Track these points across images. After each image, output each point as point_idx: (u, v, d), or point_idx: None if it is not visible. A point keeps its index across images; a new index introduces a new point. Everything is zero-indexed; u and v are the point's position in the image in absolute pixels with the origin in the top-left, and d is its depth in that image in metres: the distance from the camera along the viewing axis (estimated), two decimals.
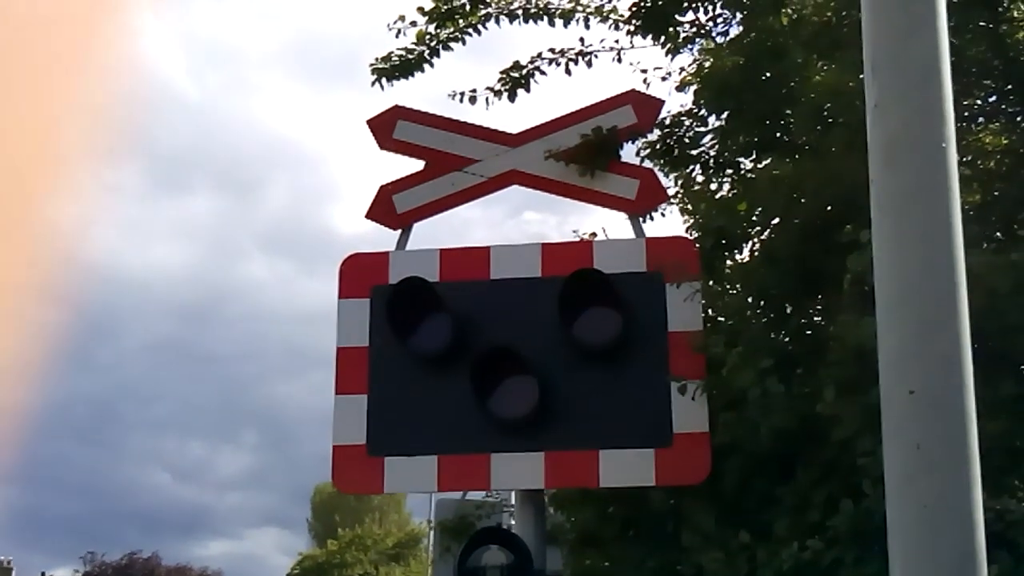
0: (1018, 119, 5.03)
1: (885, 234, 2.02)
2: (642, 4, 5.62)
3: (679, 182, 5.95)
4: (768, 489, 4.52)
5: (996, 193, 4.54)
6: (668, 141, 5.75)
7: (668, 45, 5.72)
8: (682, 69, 5.73)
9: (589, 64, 5.83)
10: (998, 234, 4.51)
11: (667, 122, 5.74)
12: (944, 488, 1.85)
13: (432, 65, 5.88)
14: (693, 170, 5.78)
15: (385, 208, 5.70)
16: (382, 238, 5.68)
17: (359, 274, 5.53)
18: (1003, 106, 5.02)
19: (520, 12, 5.79)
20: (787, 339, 4.66)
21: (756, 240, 5.17)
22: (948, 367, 1.90)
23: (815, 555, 3.91)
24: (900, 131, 1.98)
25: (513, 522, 6.19)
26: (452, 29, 5.85)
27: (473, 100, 5.86)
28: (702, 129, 5.69)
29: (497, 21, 5.84)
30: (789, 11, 5.24)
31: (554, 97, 6.18)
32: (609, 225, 6.01)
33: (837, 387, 3.94)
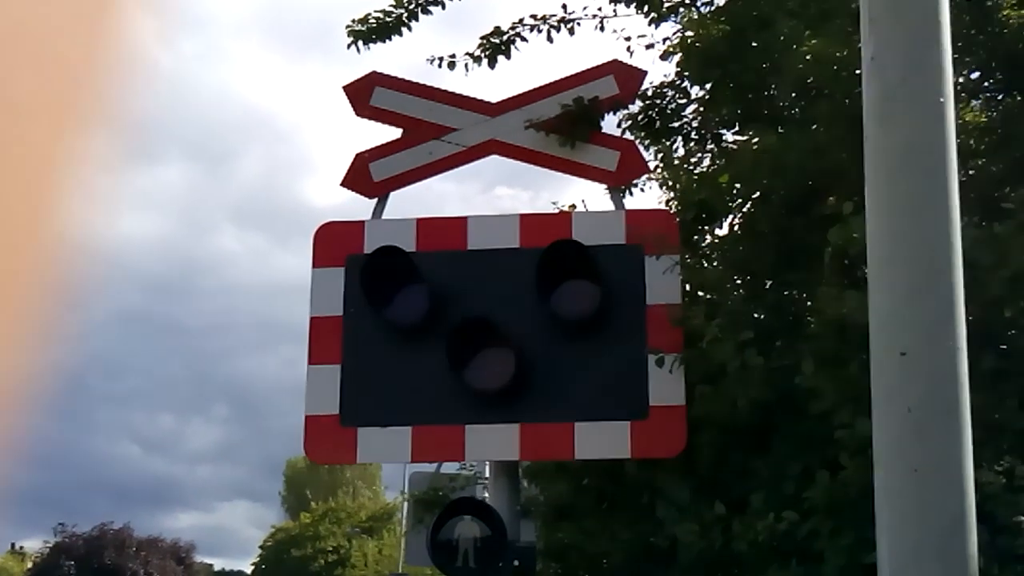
0: (1000, 96, 5.00)
1: (878, 192, 1.96)
2: None
3: (660, 155, 5.89)
4: (744, 461, 4.51)
5: (971, 172, 4.52)
6: (650, 113, 5.68)
7: (651, 14, 5.63)
8: (666, 39, 5.66)
9: (571, 32, 5.73)
10: (976, 214, 4.49)
11: (649, 93, 5.67)
12: (935, 452, 1.81)
13: (410, 29, 5.77)
14: (674, 142, 5.72)
15: (361, 176, 5.60)
16: (356, 212, 5.58)
17: (334, 242, 5.43)
18: (985, 83, 4.99)
19: None
20: (767, 312, 4.63)
21: (737, 213, 5.13)
22: (941, 328, 1.85)
23: (791, 527, 3.90)
24: (897, 85, 1.91)
25: (487, 495, 6.16)
26: None
27: (452, 66, 5.75)
28: (684, 101, 5.63)
29: None
30: None
31: (535, 65, 6.09)
32: (585, 200, 5.95)
33: (816, 360, 3.91)
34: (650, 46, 5.70)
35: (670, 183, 5.76)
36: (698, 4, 5.60)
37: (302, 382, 5.28)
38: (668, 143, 5.72)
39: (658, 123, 5.66)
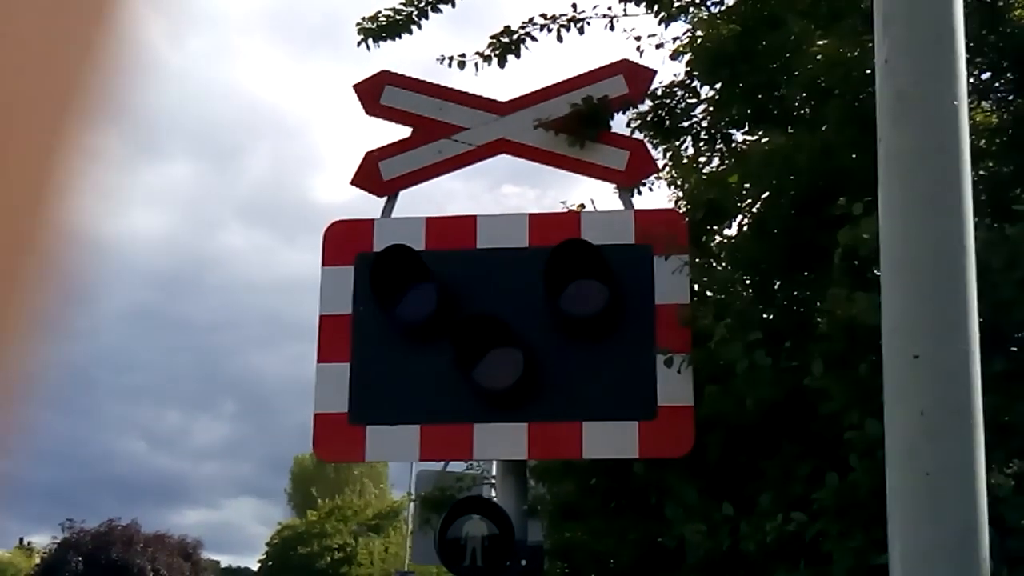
0: (1010, 97, 4.98)
1: (891, 195, 1.95)
2: None
3: (668, 155, 5.88)
4: (752, 462, 4.50)
5: (982, 173, 4.49)
6: (659, 112, 5.68)
7: (661, 14, 5.63)
8: (675, 39, 5.66)
9: (581, 31, 5.74)
10: (987, 215, 4.47)
11: (659, 93, 5.66)
12: (947, 455, 1.80)
13: (420, 27, 5.77)
14: (684, 142, 5.71)
15: (371, 175, 5.61)
16: (364, 209, 5.60)
17: (343, 241, 5.44)
18: (996, 84, 4.97)
19: None
20: (776, 312, 4.61)
21: (747, 213, 5.12)
22: (954, 331, 1.85)
23: (799, 528, 3.89)
24: (910, 87, 1.90)
25: (494, 494, 6.16)
26: None
27: (462, 65, 5.76)
28: (694, 100, 5.63)
29: None
30: None
31: (545, 65, 6.09)
32: (593, 199, 5.95)
33: (825, 361, 3.90)
34: (660, 46, 5.70)
35: (679, 183, 5.75)
36: (708, 4, 5.60)
37: (309, 379, 5.30)
38: (677, 143, 5.72)
39: (667, 123, 5.66)
